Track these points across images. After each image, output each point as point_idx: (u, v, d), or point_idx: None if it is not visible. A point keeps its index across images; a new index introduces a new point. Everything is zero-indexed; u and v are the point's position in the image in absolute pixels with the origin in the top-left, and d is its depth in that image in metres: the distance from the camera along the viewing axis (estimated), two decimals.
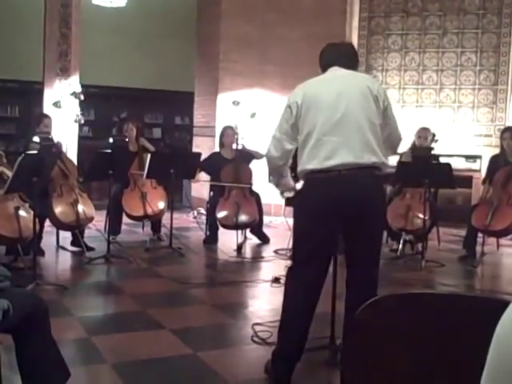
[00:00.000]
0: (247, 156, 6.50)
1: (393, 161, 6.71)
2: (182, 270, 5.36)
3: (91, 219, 5.63)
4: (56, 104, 7.94)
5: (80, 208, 5.46)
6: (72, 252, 5.75)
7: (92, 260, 5.32)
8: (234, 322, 3.91)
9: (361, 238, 2.83)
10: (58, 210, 5.37)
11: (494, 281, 5.51)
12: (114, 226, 6.10)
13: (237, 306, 4.28)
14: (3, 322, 2.13)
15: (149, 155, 5.95)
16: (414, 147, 6.27)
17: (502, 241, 6.47)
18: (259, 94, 8.51)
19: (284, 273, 3.38)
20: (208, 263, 5.85)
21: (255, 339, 3.47)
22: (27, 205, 4.83)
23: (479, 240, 5.94)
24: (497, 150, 6.70)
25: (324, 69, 2.98)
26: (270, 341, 3.29)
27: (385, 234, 6.41)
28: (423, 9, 8.50)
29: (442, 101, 8.47)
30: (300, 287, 2.85)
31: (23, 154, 4.23)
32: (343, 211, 2.74)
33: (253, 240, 6.52)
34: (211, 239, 6.40)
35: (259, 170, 6.39)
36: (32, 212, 4.59)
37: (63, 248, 5.82)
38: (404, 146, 6.55)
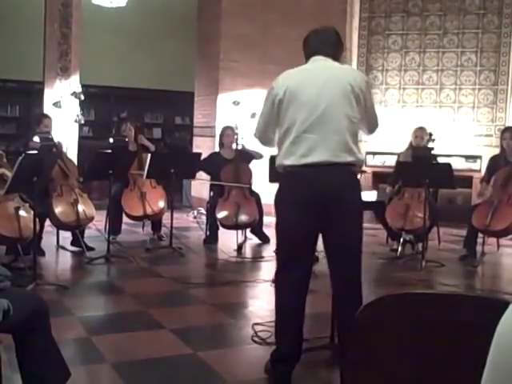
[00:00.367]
0: (247, 156, 6.50)
1: (391, 161, 6.75)
2: (182, 269, 5.36)
3: (91, 219, 5.63)
4: (56, 104, 7.95)
5: (80, 208, 5.46)
6: (72, 252, 5.75)
7: (92, 260, 5.32)
8: (234, 322, 3.91)
9: (336, 235, 2.81)
10: (58, 209, 5.38)
11: (494, 281, 5.51)
12: (114, 226, 6.10)
13: (237, 306, 4.28)
14: (3, 321, 2.13)
15: (149, 155, 5.95)
16: (411, 147, 6.28)
17: (503, 241, 6.47)
18: (259, 94, 8.50)
19: None
20: (208, 263, 5.85)
21: (255, 339, 3.47)
22: (27, 205, 4.83)
23: (479, 240, 5.94)
24: (497, 150, 6.70)
25: (307, 57, 2.95)
26: (270, 341, 3.29)
27: (385, 234, 6.44)
28: (423, 9, 8.50)
29: (442, 101, 8.47)
30: (287, 287, 2.87)
31: (23, 154, 4.23)
32: (318, 208, 2.73)
33: (253, 240, 6.52)
34: (211, 239, 6.41)
35: (259, 170, 6.39)
36: (32, 212, 4.60)
37: (63, 248, 5.82)
38: (402, 146, 6.58)
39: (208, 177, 6.78)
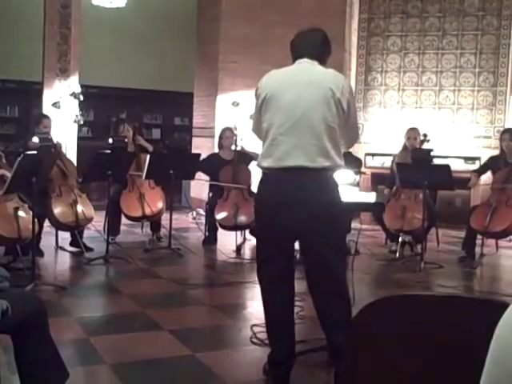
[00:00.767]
0: (246, 157, 6.50)
1: (390, 163, 6.75)
2: (181, 270, 5.36)
3: (90, 220, 5.63)
4: (55, 104, 7.94)
5: (79, 208, 5.46)
6: (71, 252, 5.74)
7: (91, 260, 5.32)
8: (232, 323, 3.91)
9: (309, 241, 2.80)
10: (57, 210, 5.37)
11: (493, 282, 5.51)
12: (113, 227, 6.10)
13: (236, 307, 4.28)
14: (2, 322, 2.13)
15: (148, 156, 5.95)
16: (406, 148, 6.29)
17: (501, 242, 6.48)
18: None
19: None
20: (207, 264, 5.85)
21: (254, 340, 3.46)
22: (26, 205, 4.83)
23: (478, 241, 5.94)
24: (496, 152, 6.71)
25: (293, 59, 2.94)
26: None
27: (383, 235, 6.44)
28: (423, 10, 8.51)
29: (442, 102, 8.47)
30: (267, 287, 2.88)
31: (22, 155, 4.23)
32: (291, 211, 2.72)
33: (252, 241, 6.52)
34: (210, 240, 6.41)
35: (258, 172, 6.38)
36: (31, 212, 4.59)
37: (62, 248, 5.81)
38: (396, 148, 6.57)
39: (207, 177, 6.78)
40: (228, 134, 6.62)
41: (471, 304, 1.13)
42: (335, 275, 2.80)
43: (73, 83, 8.06)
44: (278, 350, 2.89)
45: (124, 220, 6.38)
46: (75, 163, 6.37)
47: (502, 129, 7.40)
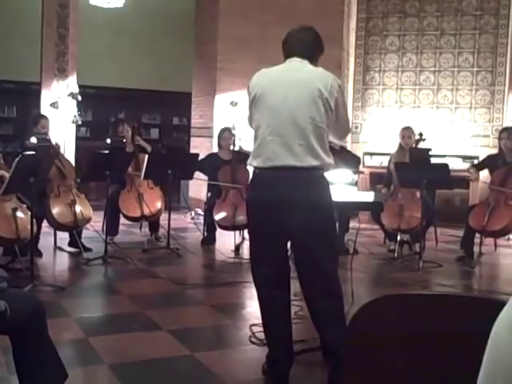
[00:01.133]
0: (244, 157, 6.48)
1: (387, 162, 6.76)
2: (180, 270, 5.36)
3: (89, 220, 5.63)
4: (53, 105, 7.94)
5: (77, 209, 5.46)
6: (69, 253, 5.74)
7: (89, 261, 5.32)
8: (231, 323, 3.91)
9: (298, 240, 2.79)
10: (55, 210, 5.37)
11: (491, 281, 5.52)
12: (111, 227, 6.10)
13: (235, 307, 4.28)
14: (1, 323, 2.13)
15: (146, 156, 5.95)
16: (401, 148, 6.29)
17: (500, 241, 6.48)
18: None
19: None
20: (206, 264, 5.85)
21: (253, 340, 3.46)
22: (25, 206, 4.83)
23: (477, 240, 5.94)
24: (494, 151, 6.72)
25: (285, 58, 2.93)
26: None
27: (382, 234, 6.45)
28: (421, 10, 8.51)
29: (440, 101, 8.48)
30: (261, 287, 2.88)
31: (20, 155, 4.22)
32: (280, 211, 2.71)
33: None
34: (209, 240, 6.41)
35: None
36: (29, 213, 4.59)
37: (61, 249, 5.81)
38: (394, 148, 6.57)
39: (205, 177, 6.78)
40: (226, 135, 6.62)
41: (470, 303, 1.13)
42: (325, 274, 2.79)
43: (71, 83, 8.05)
44: (275, 350, 2.90)
45: (122, 220, 6.38)
46: (73, 163, 6.36)
47: (500, 128, 7.41)
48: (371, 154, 8.52)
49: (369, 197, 4.41)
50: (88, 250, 5.65)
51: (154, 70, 11.51)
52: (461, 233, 6.06)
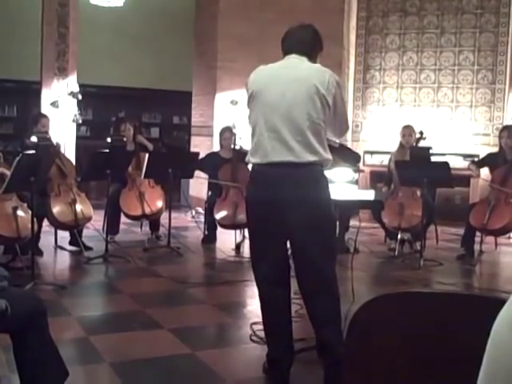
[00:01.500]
0: (245, 156, 6.47)
1: (387, 161, 6.76)
2: (181, 269, 5.36)
3: (89, 219, 5.63)
4: (54, 104, 7.94)
5: (78, 207, 5.46)
6: (70, 252, 5.74)
7: (90, 260, 5.32)
8: (232, 322, 3.91)
9: (297, 238, 2.78)
10: (56, 209, 5.37)
11: (492, 279, 5.52)
12: (112, 226, 6.10)
13: (235, 306, 4.28)
14: (1, 321, 2.13)
15: (147, 155, 5.95)
16: (402, 146, 6.29)
17: (500, 239, 6.48)
18: None
19: None
20: (206, 262, 5.85)
21: (254, 338, 3.47)
22: (25, 204, 4.83)
23: (477, 239, 5.95)
24: (494, 149, 6.71)
25: (284, 55, 2.93)
26: None
27: (383, 233, 6.44)
28: (421, 8, 8.51)
29: (440, 100, 8.48)
30: (262, 285, 2.88)
31: (21, 154, 4.23)
32: (279, 207, 2.71)
33: None
34: (210, 238, 6.41)
35: None
36: (30, 212, 4.59)
37: (61, 248, 5.82)
38: (395, 147, 6.57)
39: (206, 176, 6.78)
40: (227, 135, 6.61)
41: (470, 301, 1.13)
42: (322, 273, 2.78)
43: (71, 82, 8.05)
44: (275, 349, 2.90)
45: (123, 219, 6.39)
46: (74, 162, 6.36)
47: (500, 126, 7.41)
48: (371, 153, 8.52)
49: (369, 195, 4.40)
50: (89, 248, 5.65)
51: (155, 68, 11.51)
52: (461, 231, 6.06)
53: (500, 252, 6.43)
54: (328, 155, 2.79)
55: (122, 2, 9.67)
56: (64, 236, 5.81)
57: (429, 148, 6.11)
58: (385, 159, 7.67)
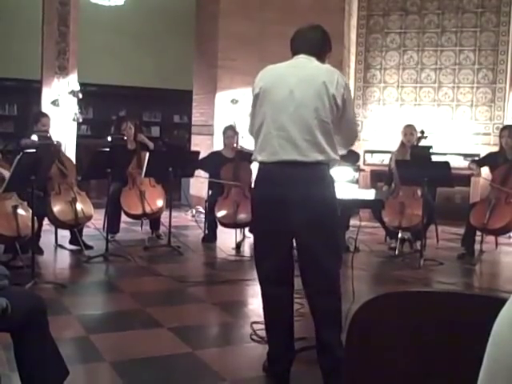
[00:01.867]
0: (248, 156, 6.47)
1: (387, 160, 6.76)
2: (181, 268, 5.36)
3: (90, 218, 5.63)
4: (54, 102, 7.94)
5: (78, 206, 5.46)
6: (70, 250, 5.74)
7: (90, 258, 5.32)
8: (232, 321, 3.91)
9: (302, 237, 2.77)
10: (56, 208, 5.37)
11: (492, 279, 5.52)
12: (112, 225, 6.10)
13: (235, 305, 4.28)
14: (2, 320, 2.13)
15: (147, 154, 5.95)
16: (403, 145, 6.29)
17: (501, 239, 6.49)
18: None
19: None
20: (207, 261, 5.85)
21: (254, 337, 3.47)
22: (25, 203, 4.83)
23: (478, 238, 5.94)
24: (495, 149, 6.71)
25: (292, 55, 2.93)
26: None
27: (383, 232, 6.44)
28: (422, 7, 8.50)
29: (441, 99, 8.47)
30: (265, 284, 2.87)
31: (21, 153, 4.22)
32: (285, 206, 2.70)
33: (251, 238, 6.51)
34: (210, 237, 6.41)
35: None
36: (30, 210, 4.59)
37: (62, 246, 5.82)
38: (395, 146, 6.57)
39: (207, 175, 6.78)
40: (230, 134, 6.61)
41: (470, 301, 1.13)
42: (327, 272, 2.77)
43: (71, 81, 8.05)
44: (275, 348, 2.90)
45: (123, 218, 6.39)
46: (74, 161, 6.36)
47: (501, 126, 7.41)
48: (372, 152, 8.52)
49: (370, 194, 4.41)
50: (89, 247, 5.66)
51: (155, 67, 11.50)
52: (462, 231, 6.06)
53: (500, 252, 6.43)
54: (335, 155, 2.78)
55: (122, 1, 9.67)
56: (64, 235, 5.81)
57: (429, 147, 6.11)
58: (385, 158, 7.68)
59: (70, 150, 7.68)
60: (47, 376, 2.36)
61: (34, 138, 5.52)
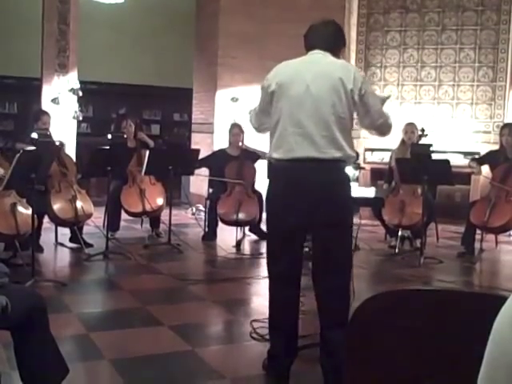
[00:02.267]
0: (253, 155, 6.49)
1: (387, 158, 6.75)
2: (181, 266, 5.37)
3: (90, 215, 5.63)
4: (54, 100, 7.94)
5: (78, 204, 5.46)
6: (71, 248, 5.74)
7: (91, 256, 5.32)
8: (232, 319, 3.92)
9: (319, 236, 2.76)
10: (56, 206, 5.37)
11: (492, 277, 5.52)
12: (112, 223, 6.10)
13: (235, 303, 4.28)
14: (2, 318, 2.13)
15: (147, 152, 5.95)
16: (404, 143, 6.29)
17: (501, 237, 6.49)
18: (258, 90, 8.47)
19: None
20: (207, 260, 5.85)
21: (254, 335, 3.47)
22: (24, 200, 4.83)
23: (478, 237, 5.94)
24: (495, 147, 6.71)
25: (306, 51, 2.91)
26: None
27: (383, 230, 6.45)
28: (422, 5, 8.49)
29: (441, 97, 8.47)
30: (274, 280, 2.86)
31: (21, 151, 4.22)
32: (301, 203, 2.69)
33: (251, 236, 6.53)
34: (210, 236, 6.41)
35: (264, 170, 6.38)
36: (29, 207, 4.59)
37: (62, 244, 5.82)
38: (395, 144, 6.57)
39: (207, 173, 6.78)
40: (235, 132, 6.59)
41: (470, 299, 1.13)
42: (340, 272, 2.76)
43: (72, 79, 8.04)
44: (276, 346, 2.89)
45: (123, 216, 6.39)
46: (74, 159, 6.37)
47: (501, 124, 7.40)
48: (372, 150, 8.51)
49: (370, 193, 4.41)
50: (89, 245, 5.65)
51: (155, 65, 11.50)
52: (462, 229, 6.06)
53: (500, 250, 6.43)
54: (352, 152, 2.77)
55: None
56: (64, 233, 5.81)
57: (429, 145, 6.10)
58: (385, 156, 7.68)
59: (69, 148, 7.67)
60: (47, 374, 2.36)
61: (34, 135, 5.52)
